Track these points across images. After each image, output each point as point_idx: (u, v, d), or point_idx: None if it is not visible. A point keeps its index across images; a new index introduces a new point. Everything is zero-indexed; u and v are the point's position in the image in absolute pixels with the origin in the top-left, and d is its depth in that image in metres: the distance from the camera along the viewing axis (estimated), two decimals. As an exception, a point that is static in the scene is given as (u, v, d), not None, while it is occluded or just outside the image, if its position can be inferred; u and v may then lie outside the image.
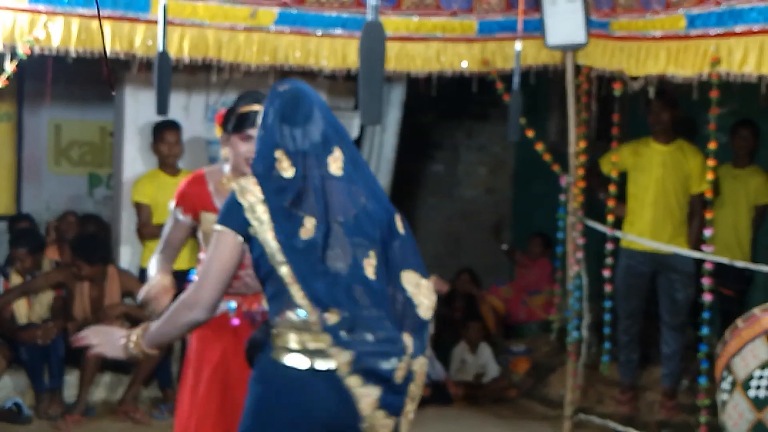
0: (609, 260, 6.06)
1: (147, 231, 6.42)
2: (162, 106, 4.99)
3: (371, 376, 2.87)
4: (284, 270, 2.91)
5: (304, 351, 2.91)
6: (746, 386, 3.13)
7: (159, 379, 6.52)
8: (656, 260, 6.23)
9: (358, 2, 5.78)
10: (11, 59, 5.13)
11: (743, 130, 6.57)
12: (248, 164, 3.71)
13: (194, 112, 6.72)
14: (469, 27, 6.10)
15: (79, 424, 6.05)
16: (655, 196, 6.25)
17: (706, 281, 5.28)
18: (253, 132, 3.66)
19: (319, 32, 5.82)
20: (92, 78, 6.24)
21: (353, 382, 2.86)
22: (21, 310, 6.32)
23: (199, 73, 6.34)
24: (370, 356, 2.87)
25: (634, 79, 5.55)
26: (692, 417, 5.98)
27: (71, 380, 6.29)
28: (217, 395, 3.85)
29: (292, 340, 2.92)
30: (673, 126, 6.33)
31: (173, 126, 6.44)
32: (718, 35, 4.99)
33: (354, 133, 7.00)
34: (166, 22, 4.87)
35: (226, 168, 3.93)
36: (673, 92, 6.09)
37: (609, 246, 6.07)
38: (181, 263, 6.51)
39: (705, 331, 5.31)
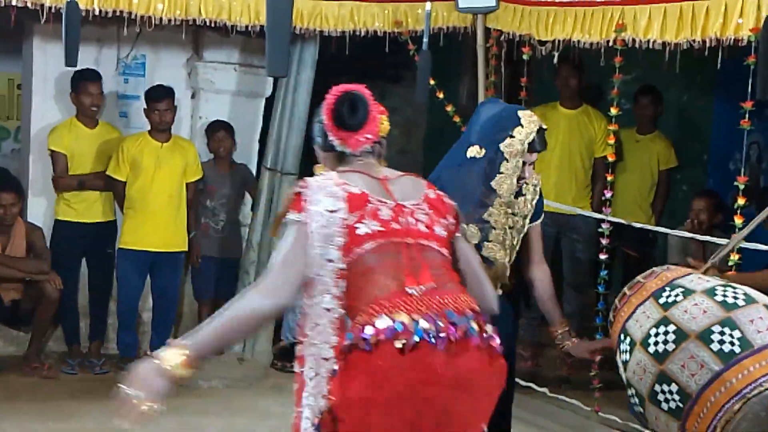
0: (513, 220, 6.21)
1: (63, 182, 6.37)
2: (70, 58, 4.95)
3: None
4: None
5: None
6: (645, 344, 3.32)
7: (65, 333, 6.50)
8: (560, 221, 6.40)
9: (271, -41, 5.78)
10: None
11: (645, 98, 6.75)
12: None
13: (105, 66, 6.64)
14: (382, -13, 6.16)
15: (-16, 379, 6.02)
16: (560, 159, 6.42)
17: (604, 241, 5.49)
18: None
19: (232, -12, 5.81)
20: (-1, 28, 6.12)
21: None
22: None
23: (110, 25, 6.28)
24: None
25: (542, 43, 5.67)
26: (591, 373, 6.18)
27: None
28: None
29: None
30: (579, 91, 6.49)
31: (96, 77, 6.39)
32: (623, 2, 5.13)
33: (267, 90, 7.01)
34: (75, -28, 4.81)
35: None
36: (580, 58, 6.24)
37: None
38: (96, 216, 6.51)
39: (601, 288, 5.52)
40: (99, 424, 5.41)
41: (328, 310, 2.81)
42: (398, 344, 2.68)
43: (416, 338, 2.68)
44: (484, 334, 2.79)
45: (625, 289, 3.53)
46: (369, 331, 2.70)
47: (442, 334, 2.70)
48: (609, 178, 5.56)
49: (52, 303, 6.14)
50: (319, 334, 2.82)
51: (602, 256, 5.52)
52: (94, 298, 6.55)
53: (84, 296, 6.54)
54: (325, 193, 2.84)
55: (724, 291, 3.31)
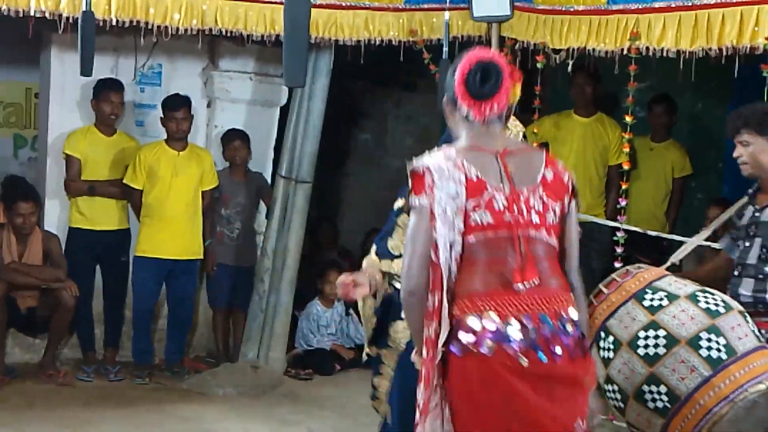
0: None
1: (75, 186, 6.42)
2: (86, 67, 4.97)
3: None
4: None
5: None
6: (634, 346, 3.41)
7: (80, 341, 6.53)
8: (574, 229, 6.40)
9: (287, -32, 5.81)
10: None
11: (658, 106, 6.74)
12: None
13: (122, 75, 6.68)
14: (397, -3, 6.19)
15: (1, 385, 6.02)
16: (574, 167, 6.36)
17: (618, 249, 5.49)
18: None
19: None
20: (17, 38, 6.16)
21: None
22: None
23: (127, 35, 6.32)
24: None
25: (556, 51, 5.68)
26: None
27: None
28: None
29: None
30: (594, 99, 6.50)
31: (119, 86, 6.46)
32: (637, 10, 5.14)
33: (282, 99, 7.04)
34: (91, -18, 4.85)
35: None
36: (596, 66, 6.24)
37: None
38: (109, 223, 6.55)
39: (616, 297, 5.51)
40: (114, 431, 5.44)
41: (448, 291, 2.82)
42: (484, 350, 2.72)
43: (510, 344, 2.72)
44: (575, 338, 2.80)
45: (601, 286, 3.61)
46: (465, 335, 2.74)
47: (533, 338, 2.73)
48: (624, 187, 5.57)
49: (68, 310, 6.17)
50: (439, 318, 2.81)
51: (617, 264, 5.51)
52: (109, 305, 6.58)
53: (99, 303, 6.57)
54: (447, 177, 2.82)
55: (705, 297, 3.48)
